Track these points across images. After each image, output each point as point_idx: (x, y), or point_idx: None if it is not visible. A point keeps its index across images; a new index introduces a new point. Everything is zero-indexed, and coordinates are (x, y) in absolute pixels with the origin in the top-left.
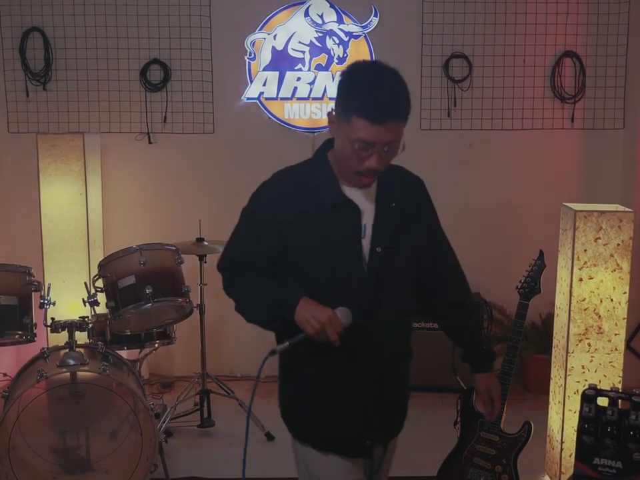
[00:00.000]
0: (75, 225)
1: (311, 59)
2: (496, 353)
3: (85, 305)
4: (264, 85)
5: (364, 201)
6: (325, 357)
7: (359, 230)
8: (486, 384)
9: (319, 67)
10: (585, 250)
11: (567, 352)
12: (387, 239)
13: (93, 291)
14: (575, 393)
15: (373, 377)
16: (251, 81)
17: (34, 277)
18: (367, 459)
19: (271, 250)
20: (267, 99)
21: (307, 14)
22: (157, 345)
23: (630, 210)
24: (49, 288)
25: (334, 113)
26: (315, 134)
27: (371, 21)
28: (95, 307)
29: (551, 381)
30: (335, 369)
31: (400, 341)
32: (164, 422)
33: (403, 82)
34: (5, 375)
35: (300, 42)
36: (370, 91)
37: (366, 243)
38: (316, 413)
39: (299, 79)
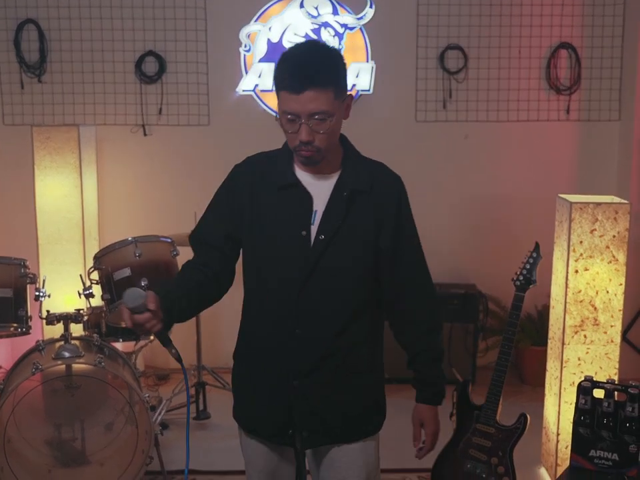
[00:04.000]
0: (70, 217)
1: None
2: (445, 391)
3: (80, 297)
4: (259, 77)
5: (320, 188)
6: (256, 339)
7: (307, 215)
8: (420, 417)
9: None
10: (581, 241)
11: (563, 344)
12: (332, 227)
13: (88, 283)
14: (570, 385)
15: (296, 368)
16: (246, 73)
17: (29, 269)
18: (295, 450)
19: (227, 226)
20: (262, 90)
21: (302, 5)
22: (152, 337)
23: (626, 201)
24: (44, 280)
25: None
26: None
27: (366, 12)
28: (91, 299)
29: (547, 373)
30: (262, 351)
31: (336, 336)
32: (159, 414)
33: (327, 52)
34: None
35: (295, 34)
36: (288, 63)
37: (314, 229)
38: (242, 394)
39: None
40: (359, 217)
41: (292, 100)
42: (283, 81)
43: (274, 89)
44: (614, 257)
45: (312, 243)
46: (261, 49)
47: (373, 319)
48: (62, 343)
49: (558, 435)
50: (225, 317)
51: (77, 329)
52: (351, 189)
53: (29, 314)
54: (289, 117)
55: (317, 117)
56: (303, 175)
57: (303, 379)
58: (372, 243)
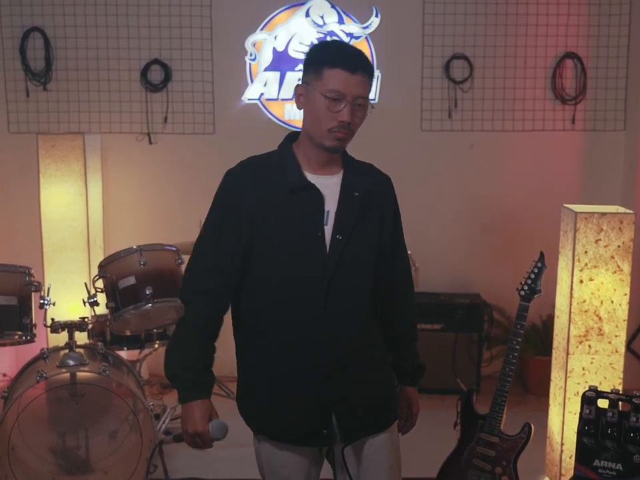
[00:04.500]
0: (75, 225)
1: None
2: (425, 368)
3: (84, 306)
4: (264, 85)
5: (328, 188)
6: (278, 345)
7: (321, 215)
8: (409, 399)
9: None
10: (586, 251)
11: (568, 353)
12: (347, 227)
13: (93, 292)
14: (575, 395)
15: (328, 368)
16: (252, 82)
17: (34, 277)
18: (329, 451)
19: (241, 244)
20: (267, 99)
21: (307, 14)
22: (156, 346)
23: (631, 212)
24: (48, 288)
25: (301, 84)
26: None
27: (371, 21)
28: (95, 307)
29: (551, 383)
30: (287, 357)
31: (360, 333)
32: (164, 422)
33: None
34: (4, 375)
35: (301, 42)
36: (342, 46)
37: (328, 230)
38: (267, 400)
39: (299, 79)
40: (368, 216)
41: (344, 77)
42: (335, 59)
43: (312, 71)
44: (619, 267)
45: (328, 243)
46: (267, 57)
47: (378, 316)
48: (66, 351)
49: (562, 444)
50: (228, 325)
51: (81, 337)
52: (363, 189)
53: (34, 322)
54: (335, 95)
55: (360, 101)
56: (312, 177)
57: (334, 377)
58: (378, 241)
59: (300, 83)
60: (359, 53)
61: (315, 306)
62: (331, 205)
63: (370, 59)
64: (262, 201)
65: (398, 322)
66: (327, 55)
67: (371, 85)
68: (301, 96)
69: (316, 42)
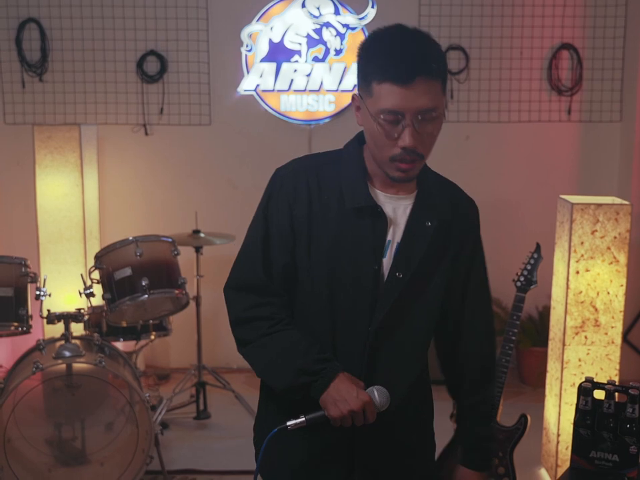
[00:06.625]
0: (71, 216)
1: (307, 51)
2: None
3: (80, 297)
4: (260, 76)
5: (395, 212)
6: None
7: (381, 245)
8: None
9: (316, 59)
10: (582, 242)
11: (564, 345)
12: (412, 263)
13: (89, 283)
14: (571, 386)
15: (360, 430)
16: (248, 73)
17: (30, 268)
18: None
19: (289, 253)
20: (263, 90)
21: (303, 5)
22: (153, 337)
23: (627, 202)
24: (44, 279)
25: (357, 94)
26: (312, 126)
27: (368, 12)
28: (91, 298)
29: (548, 374)
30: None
31: (407, 392)
32: (160, 414)
33: (432, 40)
34: (0, 366)
35: (297, 34)
36: (391, 49)
37: (387, 263)
38: (286, 458)
39: (295, 70)
40: (439, 251)
41: (396, 92)
42: (383, 71)
43: (362, 85)
44: (615, 258)
45: (385, 279)
46: (263, 48)
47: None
48: (62, 342)
49: (558, 435)
50: (224, 317)
51: (77, 329)
52: (438, 218)
53: (30, 313)
54: (389, 117)
55: (425, 115)
56: (375, 194)
57: (363, 438)
58: (446, 281)
59: (356, 93)
60: (417, 50)
61: (355, 356)
62: (395, 234)
63: (437, 48)
64: (311, 214)
65: (463, 383)
66: (374, 64)
67: (441, 87)
68: (358, 109)
69: (312, 34)
